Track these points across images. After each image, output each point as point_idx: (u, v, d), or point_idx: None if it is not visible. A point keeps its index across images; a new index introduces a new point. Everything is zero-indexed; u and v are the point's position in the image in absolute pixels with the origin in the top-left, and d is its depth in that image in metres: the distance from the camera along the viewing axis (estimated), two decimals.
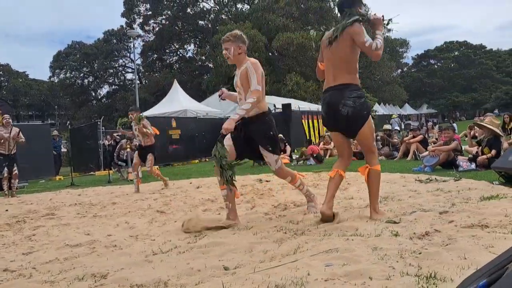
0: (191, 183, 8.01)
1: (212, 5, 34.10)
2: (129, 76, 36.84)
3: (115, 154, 10.96)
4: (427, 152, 8.03)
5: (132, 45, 33.22)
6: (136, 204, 5.62)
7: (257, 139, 3.68)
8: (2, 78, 43.88)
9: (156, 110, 17.82)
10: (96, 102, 36.21)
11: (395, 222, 3.08)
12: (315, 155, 10.30)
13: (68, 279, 2.47)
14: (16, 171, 8.04)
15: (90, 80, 35.41)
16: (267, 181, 7.05)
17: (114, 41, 34.40)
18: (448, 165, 6.84)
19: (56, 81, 34.81)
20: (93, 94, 35.97)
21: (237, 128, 3.65)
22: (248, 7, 33.81)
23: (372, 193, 3.38)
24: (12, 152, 8.01)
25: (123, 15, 32.98)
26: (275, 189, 5.83)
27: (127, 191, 7.37)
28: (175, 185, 7.81)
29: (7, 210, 6.01)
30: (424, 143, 9.25)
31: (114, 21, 59.64)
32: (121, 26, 33.82)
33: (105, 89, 36.51)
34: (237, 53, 3.75)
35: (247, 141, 3.74)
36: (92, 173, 13.57)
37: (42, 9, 72.65)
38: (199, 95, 24.19)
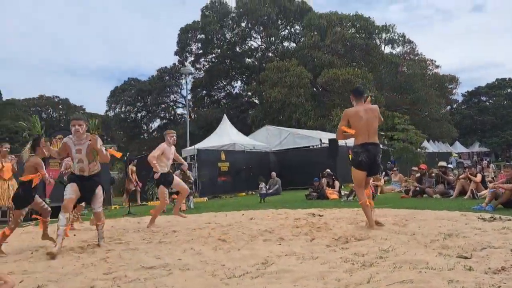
0: (243, 214, 8.17)
1: (260, 43, 35.26)
2: (179, 111, 38.37)
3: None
4: (485, 191, 7.80)
5: (183, 82, 34.81)
6: (195, 232, 5.83)
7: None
8: (61, 112, 46.94)
9: (206, 144, 18.39)
10: (147, 135, 37.75)
11: (466, 257, 3.07)
12: None
13: None
14: None
15: (143, 114, 37.13)
16: (320, 215, 7.09)
17: (167, 77, 36.12)
18: (509, 204, 6.61)
19: (111, 115, 36.78)
20: (145, 127, 37.57)
21: None
22: (294, 45, 34.65)
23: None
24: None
25: (176, 53, 34.77)
26: (331, 223, 5.86)
27: (183, 220, 7.62)
28: (228, 216, 7.98)
29: (74, 235, 6.40)
30: (482, 182, 8.99)
31: (167, 59, 63.20)
32: (174, 64, 35.61)
33: (156, 123, 38.13)
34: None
35: None
36: (144, 203, 14.06)
37: (100, 48, 77.87)
38: (245, 130, 24.70)
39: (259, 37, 35.16)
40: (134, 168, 14.02)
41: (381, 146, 5.32)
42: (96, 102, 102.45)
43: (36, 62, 69.02)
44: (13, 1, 71.11)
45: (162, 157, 6.85)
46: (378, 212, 6.93)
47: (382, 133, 18.11)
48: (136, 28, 75.83)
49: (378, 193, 11.44)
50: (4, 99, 37.50)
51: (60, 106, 48.88)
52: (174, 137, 7.14)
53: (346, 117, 5.10)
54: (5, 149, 8.31)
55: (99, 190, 5.06)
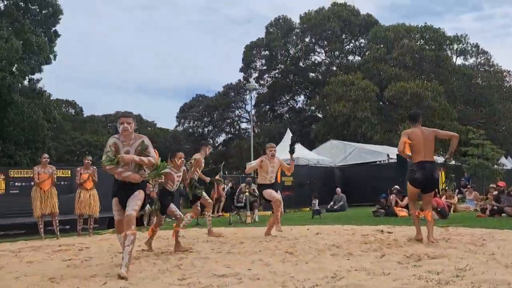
0: (308, 229, 8.14)
1: (323, 58, 35.22)
2: (243, 125, 39.27)
3: (234, 198, 11.62)
4: None
5: (247, 97, 35.63)
6: (262, 244, 5.92)
7: None
8: (135, 127, 49.60)
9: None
10: (213, 149, 38.96)
11: None
12: (439, 209, 9.72)
13: None
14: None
15: (210, 129, 38.50)
16: (389, 232, 6.88)
17: (232, 93, 37.23)
18: None
19: (180, 129, 38.57)
20: (211, 141, 38.78)
21: None
22: (359, 58, 34.16)
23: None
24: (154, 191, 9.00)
25: (241, 70, 35.80)
26: (401, 240, 5.68)
27: (250, 233, 7.76)
28: (294, 230, 8.00)
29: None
30: None
31: (233, 75, 65.16)
32: (239, 80, 36.70)
33: (221, 137, 39.30)
34: None
35: None
36: (212, 215, 14.44)
37: (171, 67, 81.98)
38: (308, 144, 24.63)
39: (323, 51, 35.13)
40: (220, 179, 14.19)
41: (453, 162, 5.85)
42: (166, 118, 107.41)
43: (113, 82, 74.21)
44: (94, 28, 77.11)
45: (261, 170, 6.99)
46: (452, 231, 6.61)
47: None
48: (204, 47, 78.91)
49: (452, 211, 10.85)
50: (85, 115, 40.66)
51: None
52: (273, 151, 7.03)
53: (406, 135, 5.57)
54: (87, 161, 9.02)
55: (139, 193, 4.39)
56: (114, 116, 53.04)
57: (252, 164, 7.04)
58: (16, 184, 10.91)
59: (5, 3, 21.10)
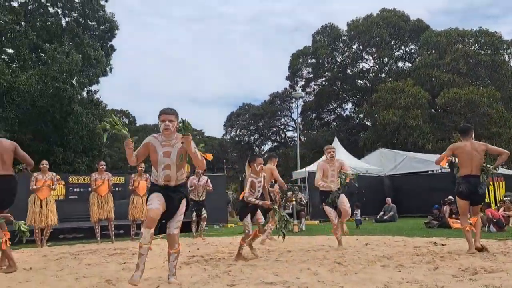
0: (357, 239, 8.00)
1: (372, 64, 34.58)
2: (289, 133, 39.29)
3: (281, 206, 11.61)
4: None
5: (294, 106, 35.64)
6: (310, 253, 5.90)
7: None
8: (178, 126, 51.01)
9: (316, 166, 18.38)
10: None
11: None
12: (495, 220, 9.23)
13: None
14: (205, 215, 9.21)
15: (256, 137, 38.85)
16: (443, 244, 6.62)
17: (278, 102, 37.41)
18: None
19: (227, 138, 39.24)
20: (257, 149, 39.05)
21: None
22: (410, 64, 33.22)
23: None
24: (201, 199, 9.22)
25: (287, 78, 35.90)
26: (456, 253, 5.45)
27: (297, 241, 7.74)
28: (342, 240, 7.87)
29: (198, 249, 6.93)
30: None
31: (279, 84, 65.57)
32: (285, 88, 36.84)
33: (268, 145, 39.53)
34: None
35: None
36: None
37: (219, 76, 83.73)
38: (356, 153, 24.16)
39: (371, 58, 34.50)
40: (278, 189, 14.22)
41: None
42: (214, 127, 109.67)
43: (163, 91, 76.89)
44: (146, 41, 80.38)
45: (323, 176, 6.61)
46: (510, 244, 6.26)
47: None
48: (251, 56, 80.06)
49: (510, 224, 10.25)
50: (137, 125, 42.40)
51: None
52: (332, 152, 6.69)
53: (451, 150, 5.72)
54: (140, 168, 9.37)
55: (182, 206, 4.08)
56: None
57: (317, 176, 6.57)
58: (75, 190, 11.56)
59: (67, 19, 22.55)
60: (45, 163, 8.51)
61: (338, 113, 37.16)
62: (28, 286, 4.03)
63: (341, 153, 19.20)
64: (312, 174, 16.10)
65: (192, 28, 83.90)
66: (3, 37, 20.48)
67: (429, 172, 17.57)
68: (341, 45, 34.05)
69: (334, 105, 36.93)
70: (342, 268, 4.57)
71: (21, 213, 8.60)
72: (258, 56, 78.26)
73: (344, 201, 6.61)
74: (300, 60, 34.79)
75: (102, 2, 23.02)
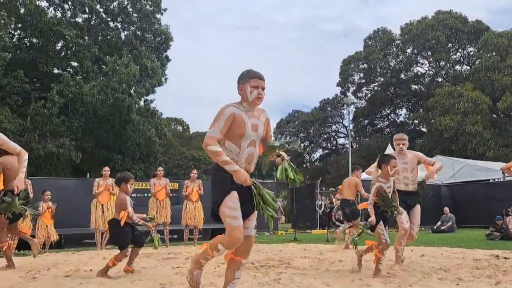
0: (412, 250, 7.71)
1: (427, 68, 33.35)
2: (340, 140, 38.72)
3: (332, 214, 11.47)
4: None
5: (345, 112, 35.08)
6: (362, 263, 5.76)
7: None
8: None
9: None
10: (309, 165, 38.88)
11: None
12: None
13: None
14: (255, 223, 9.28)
15: (306, 144, 38.59)
16: (506, 257, 6.23)
17: (329, 108, 37.04)
18: None
19: (277, 145, 39.32)
20: (308, 157, 38.83)
21: None
22: (468, 68, 31.68)
23: None
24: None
25: (338, 84, 35.48)
26: None
27: (349, 251, 7.58)
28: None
29: None
30: None
31: (329, 90, 64.99)
32: (336, 94, 36.42)
33: (318, 153, 39.18)
34: None
35: None
36: (308, 231, 14.41)
37: (268, 83, 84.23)
38: None
39: (426, 62, 33.29)
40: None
41: None
42: None
43: (215, 99, 78.62)
44: (199, 50, 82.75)
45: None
46: None
47: None
48: (301, 63, 79.93)
49: None
50: (191, 132, 43.62)
51: None
52: (402, 145, 5.71)
53: None
54: (193, 174, 9.63)
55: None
56: None
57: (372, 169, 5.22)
58: (132, 195, 12.03)
59: (126, 33, 23.78)
60: (107, 170, 8.97)
61: (391, 119, 36.12)
62: (88, 287, 4.26)
63: None
64: (364, 182, 15.76)
65: (241, 37, 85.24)
66: (69, 51, 21.94)
67: (490, 181, 16.60)
68: (394, 49, 33.18)
69: (388, 111, 35.96)
70: (396, 280, 4.44)
71: (85, 217, 9.16)
72: (307, 62, 77.98)
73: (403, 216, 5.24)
74: (352, 66, 34.27)
75: (158, 16, 24.04)
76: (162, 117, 26.34)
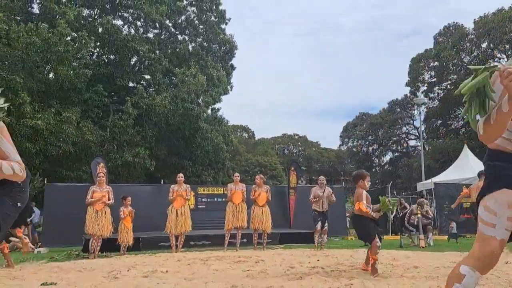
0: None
1: (505, 63, 31.04)
2: (411, 143, 37.10)
3: (405, 219, 10.99)
4: None
5: (416, 113, 33.61)
6: (440, 270, 5.47)
7: None
8: (300, 148, 51.96)
9: (444, 177, 17.04)
10: (379, 169, 37.67)
11: None
12: None
13: None
14: (326, 227, 9.19)
15: (374, 147, 37.49)
16: None
17: (398, 109, 35.69)
18: None
19: (344, 149, 38.61)
20: (377, 161, 37.66)
21: None
22: None
23: None
24: (325, 210, 9.20)
25: (407, 84, 34.09)
26: None
27: (424, 257, 7.24)
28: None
29: (318, 260, 6.92)
30: None
31: (398, 91, 62.72)
32: (405, 95, 35.01)
33: (388, 156, 37.82)
34: None
35: None
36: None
37: (333, 87, 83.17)
38: None
39: (504, 56, 30.91)
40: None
41: None
42: (330, 138, 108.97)
43: (280, 105, 79.08)
44: (263, 57, 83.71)
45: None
46: None
47: None
48: (367, 65, 78.04)
49: None
50: (256, 138, 44.25)
51: (299, 143, 54.16)
52: None
53: None
54: (258, 178, 9.75)
55: None
56: (281, 138, 56.39)
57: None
58: (203, 199, 12.51)
59: (193, 45, 24.79)
60: (181, 176, 9.39)
61: (467, 119, 33.99)
62: (163, 287, 4.47)
63: (473, 163, 17.45)
64: (439, 185, 14.94)
65: (304, 42, 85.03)
66: (142, 65, 23.29)
67: None
68: (468, 44, 31.23)
69: (463, 110, 33.90)
70: (479, 287, 4.16)
71: (160, 221, 9.63)
72: (373, 64, 75.92)
73: None
74: (421, 64, 32.79)
75: (223, 26, 24.78)
76: (229, 124, 27.00)
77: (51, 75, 18.01)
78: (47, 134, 15.93)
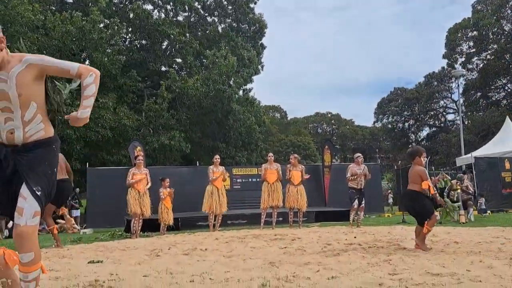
0: None
1: None
2: (449, 117, 35.85)
3: (444, 194, 10.74)
4: None
5: (453, 86, 32.32)
6: (482, 245, 5.35)
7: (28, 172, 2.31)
8: (334, 126, 51.34)
9: (484, 151, 16.48)
10: (416, 145, 36.80)
11: None
12: None
13: None
14: (363, 205, 9.12)
15: (411, 123, 36.49)
16: None
17: (435, 83, 34.43)
18: None
19: (378, 126, 37.81)
20: (413, 136, 36.71)
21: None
22: None
23: None
24: (362, 187, 9.12)
25: (444, 56, 32.75)
26: None
27: (465, 233, 7.08)
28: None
29: (355, 237, 6.90)
30: None
31: (434, 64, 60.24)
32: (442, 67, 33.70)
33: (425, 132, 36.77)
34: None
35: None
36: None
37: (366, 63, 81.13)
38: None
39: None
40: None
41: None
42: (364, 115, 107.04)
43: (312, 84, 78.12)
44: (294, 35, 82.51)
45: None
46: None
47: None
48: (400, 38, 75.46)
49: None
50: (289, 118, 44.05)
51: (333, 121, 53.48)
52: None
53: None
54: (293, 158, 9.77)
55: None
56: (314, 116, 55.85)
57: None
58: (238, 180, 12.68)
59: (222, 26, 24.73)
60: (217, 157, 9.60)
61: (509, 90, 32.40)
62: (204, 264, 4.60)
63: None
64: (479, 160, 14.45)
65: (337, 18, 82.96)
66: (173, 49, 23.50)
67: None
68: (509, 11, 29.59)
69: (504, 81, 32.31)
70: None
71: (197, 201, 9.87)
72: (407, 37, 73.32)
73: None
74: (459, 35, 31.39)
75: (251, 5, 24.52)
76: (260, 105, 26.98)
77: (87, 62, 18.52)
78: None
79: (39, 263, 2.32)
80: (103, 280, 3.64)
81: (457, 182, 10.44)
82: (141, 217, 8.48)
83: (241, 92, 24.31)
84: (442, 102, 35.22)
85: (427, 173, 5.29)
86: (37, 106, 2.36)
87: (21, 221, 2.19)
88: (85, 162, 13.80)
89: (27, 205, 2.21)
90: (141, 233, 8.66)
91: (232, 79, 21.36)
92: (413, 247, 5.41)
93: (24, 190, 2.24)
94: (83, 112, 2.40)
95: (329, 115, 54.11)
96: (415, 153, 5.41)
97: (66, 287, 3.44)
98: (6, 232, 10.47)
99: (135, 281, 3.63)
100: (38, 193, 2.25)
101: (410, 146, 36.74)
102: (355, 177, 9.02)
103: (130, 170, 8.79)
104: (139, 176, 8.51)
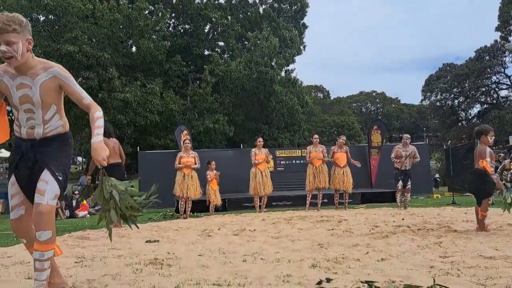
0: None
1: None
2: (503, 93, 33.90)
3: (496, 175, 10.34)
4: None
5: (507, 60, 30.53)
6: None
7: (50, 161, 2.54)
8: (378, 105, 50.07)
9: None
10: (466, 123, 35.24)
11: None
12: None
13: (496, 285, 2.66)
14: (409, 186, 8.99)
15: (460, 100, 34.89)
16: None
17: (487, 58, 32.58)
18: None
19: (426, 104, 36.45)
20: (463, 114, 35.16)
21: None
22: None
23: None
24: (407, 168, 8.97)
25: (497, 29, 30.84)
26: None
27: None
28: None
29: (403, 219, 6.84)
30: None
31: (486, 37, 56.81)
32: (495, 41, 31.76)
33: (476, 109, 35.05)
34: (26, 50, 2.44)
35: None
36: (467, 194, 13.28)
37: (411, 40, 77.87)
38: None
39: None
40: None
41: None
42: (410, 93, 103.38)
43: (356, 62, 76.23)
44: (337, 12, 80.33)
45: None
46: None
47: None
48: (449, 12, 71.61)
49: None
50: (332, 98, 43.39)
51: (377, 100, 52.14)
52: None
53: None
54: (341, 140, 9.72)
55: None
56: (358, 96, 54.65)
57: None
58: (282, 162, 12.76)
59: (264, 7, 24.57)
60: (260, 140, 9.66)
61: None
62: (254, 244, 4.77)
63: None
64: None
65: None
66: (215, 32, 23.68)
67: None
68: None
69: None
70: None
71: (242, 183, 10.08)
72: (457, 10, 69.33)
73: None
74: None
75: None
76: (303, 85, 26.74)
77: (133, 49, 19.07)
78: (135, 105, 17.11)
79: (55, 243, 2.54)
80: (161, 258, 3.89)
81: (510, 162, 10.01)
82: (188, 198, 8.79)
83: (283, 73, 24.20)
84: (494, 77, 33.33)
85: (488, 152, 5.13)
86: (56, 108, 2.61)
87: (42, 200, 2.42)
88: (135, 146, 14.38)
89: (49, 187, 2.45)
90: (191, 213, 9.00)
91: (274, 60, 21.28)
92: (464, 229, 5.33)
93: (45, 175, 2.47)
94: (98, 138, 2.54)
95: (374, 94, 52.73)
96: (481, 132, 5.31)
97: (130, 264, 3.71)
98: (67, 213, 11.21)
99: (191, 260, 3.85)
100: (60, 178, 2.51)
101: (459, 124, 35.27)
102: (401, 159, 8.87)
103: (178, 153, 9.11)
104: (186, 159, 8.79)
